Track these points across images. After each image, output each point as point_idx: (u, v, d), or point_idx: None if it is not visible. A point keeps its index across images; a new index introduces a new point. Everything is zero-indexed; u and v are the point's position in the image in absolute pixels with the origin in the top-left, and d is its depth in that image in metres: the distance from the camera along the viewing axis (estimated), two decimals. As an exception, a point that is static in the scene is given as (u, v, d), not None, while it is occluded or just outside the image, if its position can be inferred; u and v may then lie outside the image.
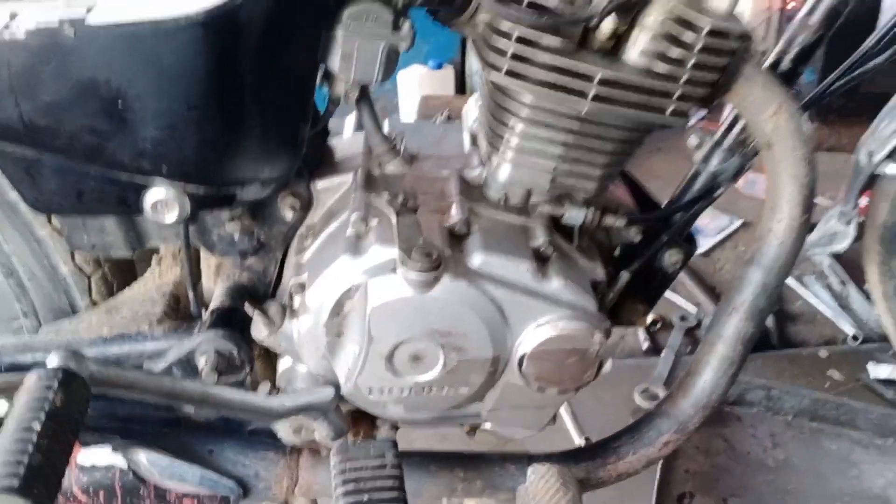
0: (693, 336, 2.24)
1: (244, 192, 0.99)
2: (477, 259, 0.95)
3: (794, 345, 2.20)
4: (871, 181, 1.43)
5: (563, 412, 1.86)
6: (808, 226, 1.01)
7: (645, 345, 2.17)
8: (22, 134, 0.85)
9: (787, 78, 1.02)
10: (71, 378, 0.66)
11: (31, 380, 0.65)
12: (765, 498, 1.63)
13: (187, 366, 1.06)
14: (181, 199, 0.95)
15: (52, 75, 0.81)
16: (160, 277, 1.23)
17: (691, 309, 2.30)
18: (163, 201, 0.95)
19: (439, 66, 3.08)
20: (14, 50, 0.79)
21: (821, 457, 1.71)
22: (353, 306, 0.96)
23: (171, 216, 0.96)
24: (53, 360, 0.68)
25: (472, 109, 1.18)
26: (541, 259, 0.98)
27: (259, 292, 1.14)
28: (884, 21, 1.11)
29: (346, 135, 1.20)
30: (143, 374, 0.76)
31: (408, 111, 3.09)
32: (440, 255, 0.90)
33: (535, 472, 1.11)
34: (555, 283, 0.96)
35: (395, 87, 3.25)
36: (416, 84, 3.11)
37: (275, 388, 1.06)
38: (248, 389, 1.07)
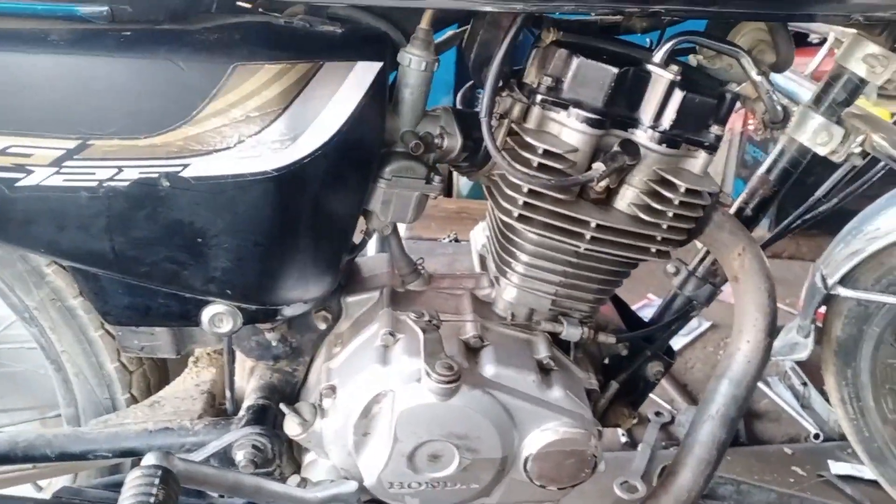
0: (667, 431, 2.28)
1: (289, 308, 1.14)
2: (490, 370, 1.08)
3: (761, 441, 2.28)
4: (826, 299, 1.54)
5: (549, 502, 1.98)
6: (771, 347, 1.16)
7: (623, 439, 2.22)
8: (111, 262, 0.98)
9: (749, 223, 1.20)
10: (167, 474, 0.78)
11: (134, 475, 0.78)
12: (736, 588, 1.74)
13: (224, 457, 1.17)
14: (235, 315, 1.10)
15: (146, 217, 0.95)
16: (197, 376, 1.35)
17: (665, 406, 2.37)
18: (219, 316, 1.10)
19: (429, 172, 3.29)
20: (116, 196, 0.93)
21: (786, 550, 1.83)
22: (380, 410, 1.07)
23: (225, 328, 1.10)
24: (150, 459, 0.81)
25: (480, 236, 1.34)
26: (544, 370, 1.12)
27: (287, 391, 1.26)
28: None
29: (370, 254, 1.36)
30: (213, 469, 0.89)
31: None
32: (459, 369, 1.02)
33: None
34: (556, 393, 1.09)
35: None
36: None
37: (304, 480, 1.18)
38: (276, 480, 1.19)
